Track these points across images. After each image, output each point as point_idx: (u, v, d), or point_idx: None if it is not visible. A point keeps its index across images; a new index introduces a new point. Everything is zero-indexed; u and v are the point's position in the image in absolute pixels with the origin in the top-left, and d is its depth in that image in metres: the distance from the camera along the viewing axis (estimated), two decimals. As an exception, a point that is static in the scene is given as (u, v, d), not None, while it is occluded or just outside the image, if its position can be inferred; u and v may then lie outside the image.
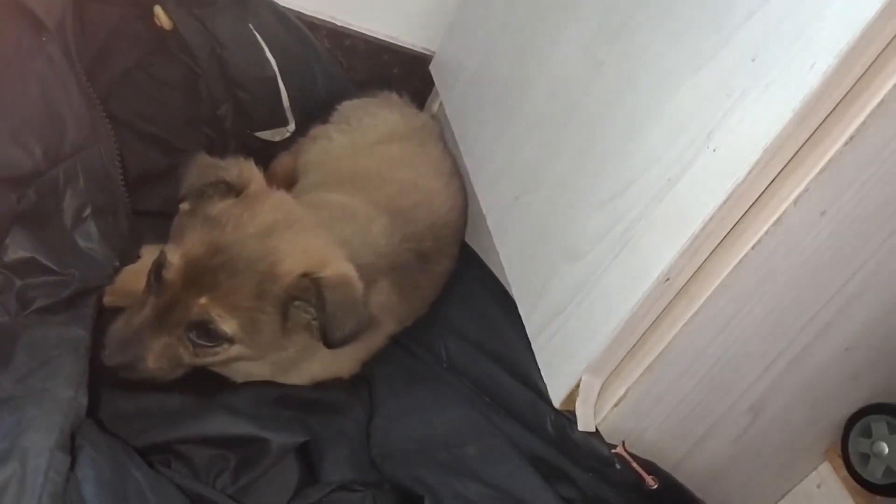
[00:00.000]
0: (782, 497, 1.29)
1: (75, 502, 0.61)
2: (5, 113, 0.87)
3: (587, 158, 1.07)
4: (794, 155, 0.84)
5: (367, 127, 1.39)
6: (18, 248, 0.84)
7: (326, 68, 1.50)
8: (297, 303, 0.92)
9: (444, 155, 1.42)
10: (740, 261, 0.89)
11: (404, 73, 1.70)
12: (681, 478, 1.08)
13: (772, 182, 0.85)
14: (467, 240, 1.42)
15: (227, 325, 0.88)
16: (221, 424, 0.89)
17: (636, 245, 0.95)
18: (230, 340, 0.90)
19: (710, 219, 0.86)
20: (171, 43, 1.30)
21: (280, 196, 0.99)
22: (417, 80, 1.68)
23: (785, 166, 0.84)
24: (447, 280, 1.29)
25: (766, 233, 0.87)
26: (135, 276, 1.00)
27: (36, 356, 0.71)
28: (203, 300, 0.88)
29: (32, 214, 0.86)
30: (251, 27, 1.36)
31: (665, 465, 1.07)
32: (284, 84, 1.40)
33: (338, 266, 0.93)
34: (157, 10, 1.28)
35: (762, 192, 0.86)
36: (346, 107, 1.46)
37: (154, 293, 0.90)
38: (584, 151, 1.08)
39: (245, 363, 0.98)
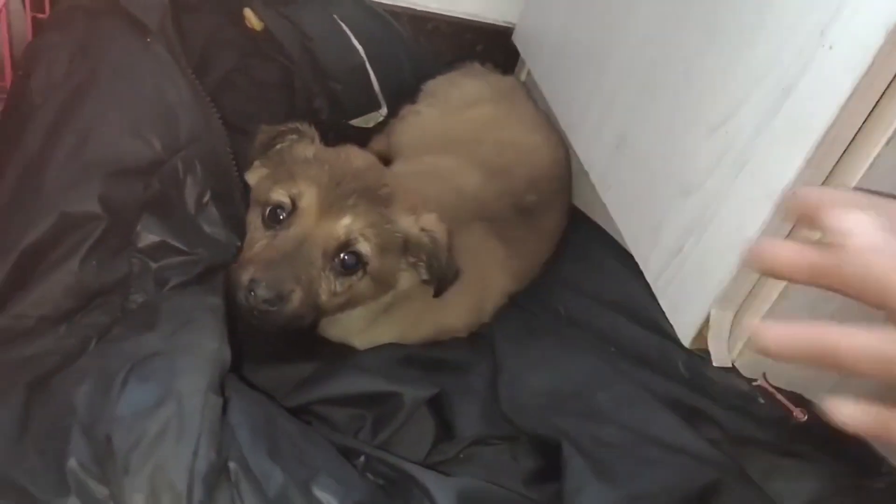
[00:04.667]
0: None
1: (232, 446, 0.64)
2: (125, 109, 0.93)
3: (689, 89, 1.04)
4: (923, 35, 0.77)
5: (454, 97, 1.41)
6: (150, 234, 0.89)
7: (410, 50, 1.52)
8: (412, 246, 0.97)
9: (538, 112, 1.41)
10: (872, 162, 0.83)
11: (487, 49, 1.70)
12: (830, 413, 1.02)
13: (900, 68, 0.79)
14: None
15: (367, 247, 0.91)
16: (355, 383, 0.91)
17: (755, 165, 0.91)
18: (365, 265, 0.92)
19: (834, 121, 0.81)
20: (264, 43, 1.36)
21: (352, 146, 1.05)
22: (501, 54, 1.68)
23: (913, 48, 0.78)
24: (559, 237, 1.28)
25: (900, 125, 0.81)
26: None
27: (178, 318, 0.75)
28: (346, 220, 0.90)
29: (159, 202, 0.91)
30: (336, 18, 1.40)
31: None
32: (373, 69, 1.43)
33: (430, 218, 0.98)
34: (247, 12, 1.34)
35: (890, 82, 0.79)
36: (431, 84, 1.49)
37: (284, 228, 0.92)
38: (686, 83, 1.05)
39: (370, 327, 1.01)
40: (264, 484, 0.64)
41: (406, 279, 1.00)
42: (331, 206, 0.90)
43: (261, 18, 1.34)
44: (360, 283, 0.94)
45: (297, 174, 0.93)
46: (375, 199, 0.93)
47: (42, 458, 0.62)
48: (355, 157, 0.99)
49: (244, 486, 0.62)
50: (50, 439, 0.63)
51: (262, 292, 0.85)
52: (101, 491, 0.60)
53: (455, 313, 1.10)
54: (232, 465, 0.63)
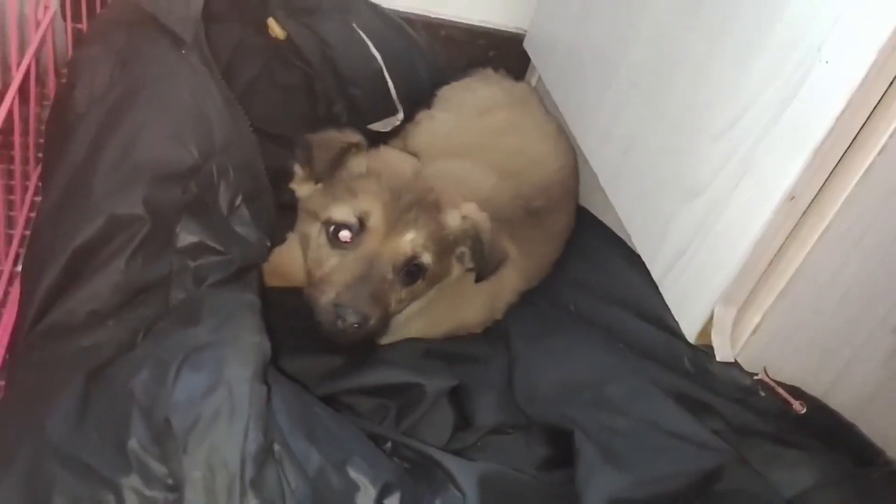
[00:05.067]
0: (942, 423, 1.24)
1: (275, 430, 0.70)
2: (164, 117, 0.98)
3: (696, 97, 1.09)
4: (913, 51, 0.83)
5: (468, 103, 1.46)
6: (189, 235, 0.94)
7: (426, 57, 1.57)
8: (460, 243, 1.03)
9: (548, 119, 1.46)
10: (867, 169, 0.89)
11: (500, 55, 1.75)
12: (830, 407, 1.06)
13: (892, 83, 0.84)
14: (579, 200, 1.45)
15: (428, 258, 0.99)
16: (381, 375, 0.98)
17: (757, 170, 0.96)
18: (426, 271, 1.00)
19: (831, 130, 0.87)
20: (287, 51, 1.41)
21: (390, 149, 1.12)
22: (512, 60, 1.74)
23: (904, 64, 0.83)
24: (566, 238, 1.33)
25: (892, 136, 0.86)
26: (284, 256, 1.10)
27: (221, 314, 0.81)
28: (411, 235, 0.97)
29: (196, 205, 0.96)
30: (355, 26, 1.45)
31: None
32: (390, 76, 1.48)
33: (472, 207, 1.03)
34: (271, 22, 1.40)
35: (883, 95, 0.85)
36: (446, 90, 1.54)
37: (353, 247, 0.97)
38: (692, 91, 1.10)
39: (403, 320, 1.08)
40: (304, 464, 0.70)
41: (455, 270, 1.07)
42: (396, 222, 0.96)
43: (283, 28, 1.40)
44: (418, 286, 1.01)
45: (359, 191, 0.98)
46: (429, 207, 0.99)
47: (103, 439, 0.68)
48: (403, 165, 1.05)
49: (287, 466, 0.69)
50: (111, 423, 0.69)
51: (350, 318, 0.92)
52: (160, 469, 0.66)
53: (472, 310, 1.16)
54: (276, 447, 0.69)
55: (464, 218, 1.02)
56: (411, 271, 0.99)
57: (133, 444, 0.67)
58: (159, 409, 0.68)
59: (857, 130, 0.88)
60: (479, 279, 1.05)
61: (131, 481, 0.66)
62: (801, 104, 0.90)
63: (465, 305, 1.14)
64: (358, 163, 1.02)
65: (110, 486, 0.65)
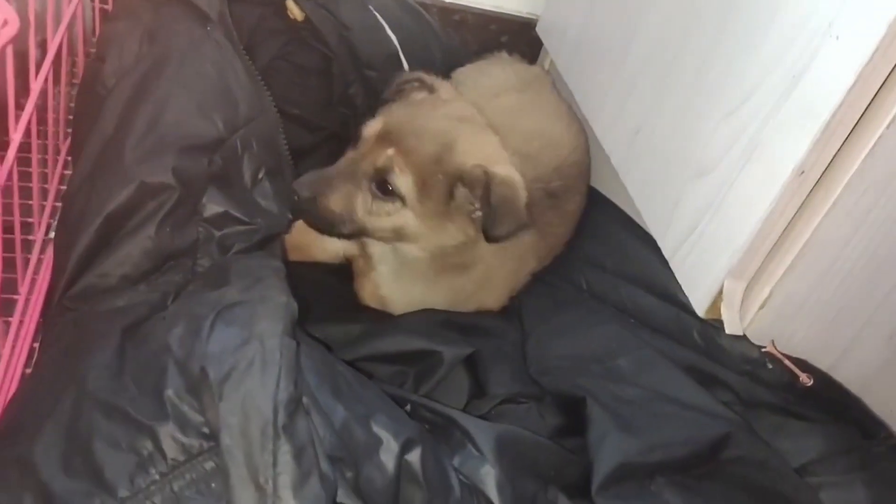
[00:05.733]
0: (946, 400, 1.26)
1: (302, 384, 0.73)
2: (192, 90, 1.02)
3: (705, 77, 1.11)
4: (922, 26, 0.84)
5: (482, 86, 1.48)
6: (214, 205, 0.98)
7: (440, 40, 1.60)
8: (462, 188, 1.02)
9: (560, 101, 1.49)
10: (875, 143, 0.90)
11: (512, 40, 1.78)
12: (835, 384, 1.09)
13: (901, 58, 0.86)
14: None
15: (402, 181, 1.01)
16: (398, 342, 1.00)
17: (766, 146, 0.98)
18: (402, 200, 1.02)
19: (840, 105, 0.89)
20: (305, 32, 1.44)
21: (468, 103, 1.16)
22: (525, 45, 1.76)
23: (913, 39, 0.85)
24: (579, 218, 1.36)
25: (901, 109, 0.88)
26: (305, 231, 1.13)
27: (249, 277, 0.84)
28: (390, 151, 1.01)
29: (221, 176, 1.00)
30: (371, 9, 1.48)
31: (817, 370, 1.08)
32: (406, 58, 1.51)
33: (508, 168, 1.04)
34: (290, 3, 1.42)
35: (892, 70, 0.87)
36: (460, 73, 1.56)
37: (353, 149, 1.05)
38: (702, 71, 1.12)
39: (419, 293, 1.11)
40: (330, 417, 0.73)
41: (460, 228, 1.05)
42: (387, 137, 1.02)
43: (302, 9, 1.42)
44: (401, 214, 1.03)
45: (387, 110, 1.07)
46: (435, 142, 1.02)
47: (141, 389, 0.71)
48: (450, 107, 1.11)
49: (315, 417, 0.71)
50: (148, 374, 0.73)
51: (301, 192, 1.00)
52: (196, 418, 0.69)
53: (494, 296, 1.20)
54: (304, 399, 0.72)
55: (476, 165, 1.00)
56: (386, 189, 1.02)
57: (170, 393, 0.70)
58: (195, 361, 0.71)
59: (867, 105, 0.90)
60: (487, 238, 1.00)
61: (169, 428, 0.69)
62: (810, 81, 0.92)
63: (490, 290, 1.18)
64: (417, 94, 1.13)
65: (148, 432, 0.69)
